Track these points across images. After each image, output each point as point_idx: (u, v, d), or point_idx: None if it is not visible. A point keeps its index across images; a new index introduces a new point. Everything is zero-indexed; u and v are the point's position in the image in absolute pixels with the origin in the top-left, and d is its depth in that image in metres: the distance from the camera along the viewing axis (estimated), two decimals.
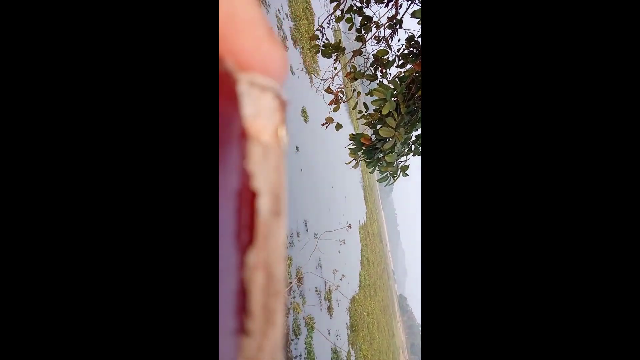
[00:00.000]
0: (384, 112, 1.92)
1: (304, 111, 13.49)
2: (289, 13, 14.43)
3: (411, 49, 2.72)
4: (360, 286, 15.72)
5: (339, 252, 11.09)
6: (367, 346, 13.42)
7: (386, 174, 2.66)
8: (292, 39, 14.39)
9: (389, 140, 1.97)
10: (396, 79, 2.03)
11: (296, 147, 10.46)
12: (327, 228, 10.75)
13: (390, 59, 2.58)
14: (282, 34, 13.20)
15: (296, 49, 14.79)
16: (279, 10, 13.52)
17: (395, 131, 1.96)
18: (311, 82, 16.13)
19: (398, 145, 1.99)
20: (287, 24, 13.89)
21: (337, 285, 8.73)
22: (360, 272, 17.01)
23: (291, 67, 13.61)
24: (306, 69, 15.62)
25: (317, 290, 8.64)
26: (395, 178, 2.58)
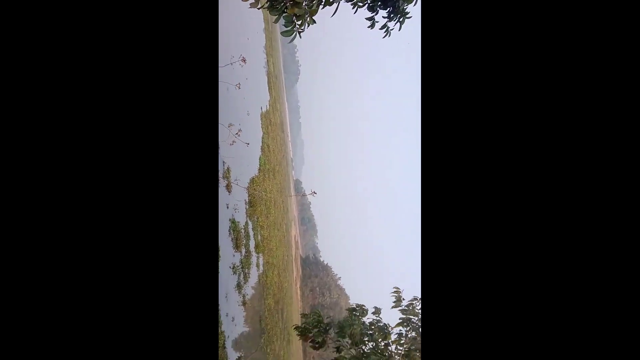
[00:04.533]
0: None
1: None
2: None
3: None
4: (260, 170, 16.38)
5: (242, 134, 10.77)
6: (263, 218, 15.08)
7: (292, 25, 2.31)
8: None
9: None
10: None
11: None
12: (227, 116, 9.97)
13: None
14: None
15: None
16: None
17: None
18: None
19: None
20: None
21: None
22: (260, 157, 17.41)
23: None
24: None
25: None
26: (301, 30, 2.28)
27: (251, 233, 12.12)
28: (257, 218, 13.93)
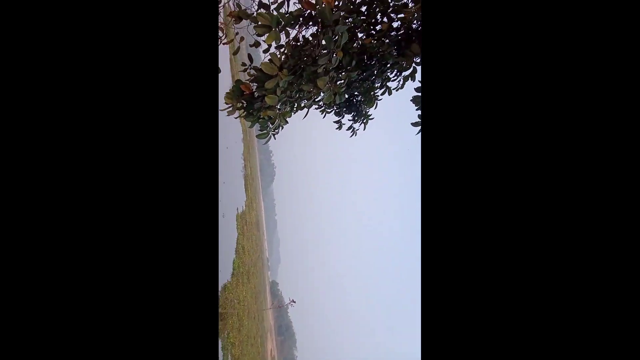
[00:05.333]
0: (268, 41, 1.71)
1: None
2: None
3: (300, 7, 2.61)
4: (233, 274, 15.19)
5: None
6: (235, 333, 13.13)
7: (266, 128, 2.46)
8: None
9: (272, 79, 1.77)
10: (285, 11, 1.85)
11: None
12: None
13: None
14: None
15: None
16: None
17: (279, 70, 1.78)
18: None
19: (281, 85, 1.81)
20: None
21: None
22: (234, 260, 16.43)
23: None
24: None
25: None
26: (275, 131, 2.41)
27: (220, 354, 10.34)
28: (228, 334, 12.13)
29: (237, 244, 18.34)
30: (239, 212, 21.65)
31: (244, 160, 30.02)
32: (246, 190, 27.50)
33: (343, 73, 2.44)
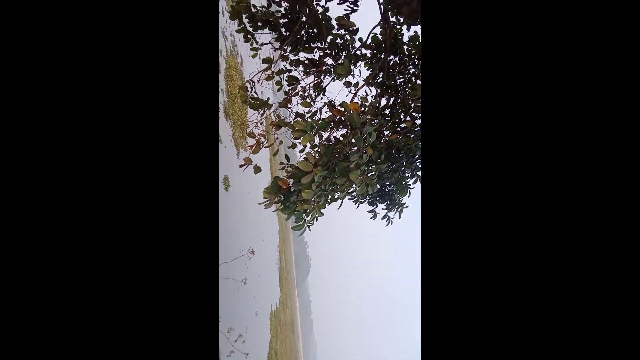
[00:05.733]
0: (303, 142, 1.93)
1: (226, 179, 13.14)
2: (225, 89, 15.27)
3: (331, 114, 3.00)
4: None
5: (244, 341, 9.53)
6: None
7: (302, 221, 2.53)
8: (225, 112, 14.92)
9: (307, 175, 1.93)
10: (318, 118, 2.12)
11: None
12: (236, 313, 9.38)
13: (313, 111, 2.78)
14: None
15: (227, 121, 15.23)
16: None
17: (314, 167, 1.95)
18: (238, 154, 16.29)
19: (316, 179, 1.95)
20: (222, 99, 14.53)
21: None
22: None
23: (220, 137, 13.73)
24: (234, 141, 15.93)
25: None
26: (311, 223, 2.46)
27: None
28: None
29: (269, 348, 16.67)
30: (273, 310, 20.40)
31: (280, 252, 29.95)
32: (281, 285, 26.51)
33: (374, 166, 2.58)
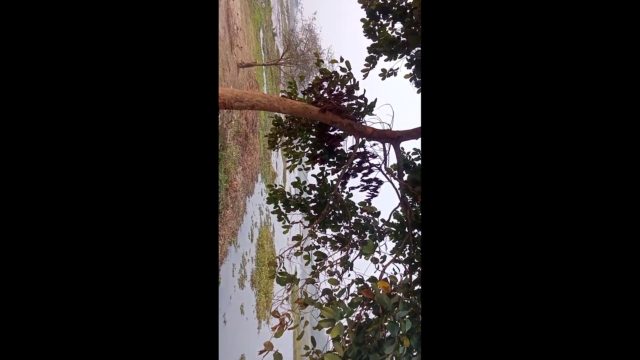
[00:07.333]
0: (332, 335, 1.71)
1: (242, 359, 11.51)
2: (254, 257, 15.88)
3: (360, 284, 2.90)
4: None
5: None
6: None
7: None
8: (252, 280, 14.87)
9: None
10: (346, 304, 1.99)
11: None
12: None
13: (341, 290, 2.66)
14: (242, 273, 13.74)
15: (253, 290, 14.89)
16: (246, 253, 14.88)
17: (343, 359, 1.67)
18: (259, 327, 14.90)
19: None
20: (250, 267, 14.88)
21: None
22: None
23: (242, 306, 13.04)
24: (257, 312, 14.93)
25: None
26: None
27: None
28: None
29: None
30: None
31: None
32: None
33: (414, 356, 2.20)
